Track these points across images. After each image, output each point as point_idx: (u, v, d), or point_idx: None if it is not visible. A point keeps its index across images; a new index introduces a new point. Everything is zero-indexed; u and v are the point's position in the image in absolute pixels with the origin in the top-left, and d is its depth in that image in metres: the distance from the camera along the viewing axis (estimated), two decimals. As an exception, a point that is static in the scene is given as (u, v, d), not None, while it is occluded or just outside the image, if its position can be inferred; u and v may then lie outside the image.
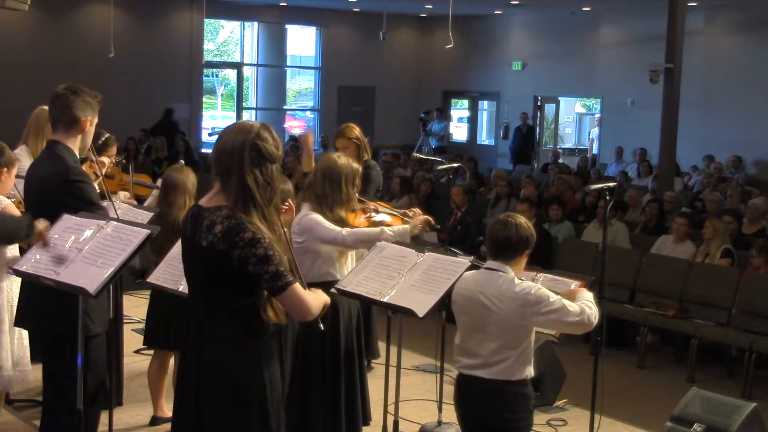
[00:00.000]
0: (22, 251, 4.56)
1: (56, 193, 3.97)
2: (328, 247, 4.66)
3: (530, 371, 3.93)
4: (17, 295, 4.60)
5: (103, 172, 5.00)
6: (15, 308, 5.08)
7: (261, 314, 3.10)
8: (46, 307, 4.03)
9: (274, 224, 3.11)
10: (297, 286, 3.07)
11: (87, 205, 4.00)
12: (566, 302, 3.85)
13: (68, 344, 3.96)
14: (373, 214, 5.20)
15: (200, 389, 3.11)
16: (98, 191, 4.32)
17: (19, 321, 4.35)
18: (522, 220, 3.98)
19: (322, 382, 4.68)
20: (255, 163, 3.05)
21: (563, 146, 21.50)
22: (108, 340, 4.71)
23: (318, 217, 4.63)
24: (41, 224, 3.80)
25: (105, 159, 5.48)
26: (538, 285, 3.91)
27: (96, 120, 4.25)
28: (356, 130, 6.35)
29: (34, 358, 5.46)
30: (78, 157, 4.18)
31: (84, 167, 4.33)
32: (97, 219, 3.86)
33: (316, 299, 3.17)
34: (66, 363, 4.01)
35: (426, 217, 5.15)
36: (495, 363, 3.86)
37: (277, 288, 3.03)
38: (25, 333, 5.32)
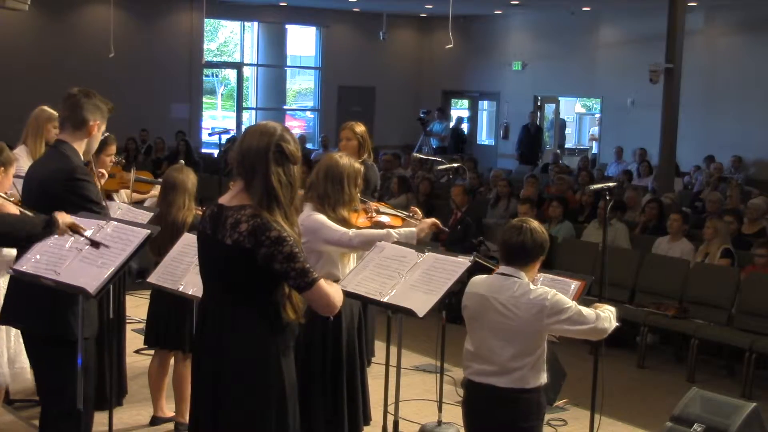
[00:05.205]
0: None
1: (60, 190, 3.94)
2: (332, 248, 4.65)
3: (544, 378, 3.89)
4: None
5: (102, 182, 5.00)
6: None
7: (281, 313, 3.15)
8: (35, 307, 3.99)
9: (294, 224, 3.17)
10: (322, 281, 3.13)
11: (89, 204, 3.99)
12: (582, 309, 3.81)
13: (56, 345, 3.93)
14: (374, 214, 5.19)
15: (219, 388, 3.13)
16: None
17: (4, 319, 4.27)
18: (536, 224, 3.91)
19: (323, 382, 4.67)
20: (278, 164, 3.12)
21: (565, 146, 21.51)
22: (108, 340, 4.71)
23: (323, 218, 4.61)
24: (65, 216, 3.76)
25: (102, 170, 5.48)
26: (554, 291, 3.83)
27: (104, 127, 4.23)
28: (363, 128, 6.46)
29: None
30: (82, 159, 4.18)
31: None
32: (97, 219, 3.86)
33: (338, 292, 3.22)
34: (55, 364, 3.98)
35: (433, 220, 5.12)
36: (511, 370, 3.81)
37: (305, 284, 3.08)
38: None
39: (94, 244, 3.71)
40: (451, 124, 20.38)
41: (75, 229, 3.73)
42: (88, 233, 3.73)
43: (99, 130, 4.18)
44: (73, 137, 4.09)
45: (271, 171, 3.10)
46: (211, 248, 3.18)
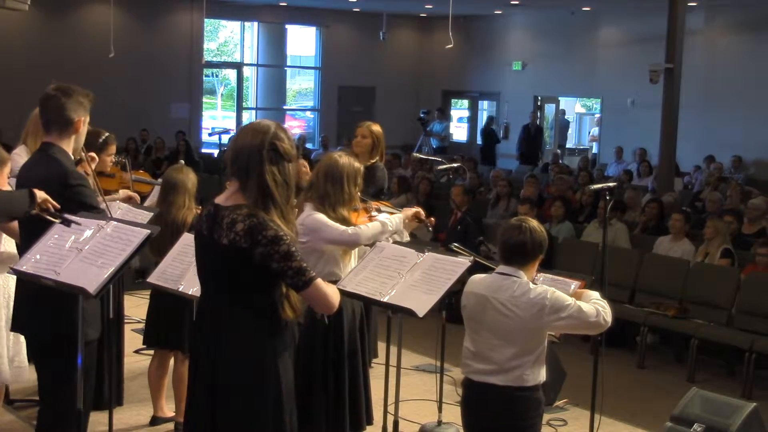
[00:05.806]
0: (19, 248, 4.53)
1: (54, 197, 3.93)
2: (332, 246, 4.66)
3: (543, 376, 3.90)
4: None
5: (93, 167, 4.95)
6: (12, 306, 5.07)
7: (279, 312, 3.14)
8: (36, 308, 3.98)
9: (290, 223, 3.15)
10: (320, 280, 3.12)
11: (86, 208, 3.97)
12: (581, 304, 3.81)
13: (61, 345, 3.93)
14: (375, 213, 5.20)
15: (217, 388, 3.13)
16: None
17: (14, 326, 4.31)
18: (535, 224, 3.92)
19: (325, 382, 4.68)
20: (273, 162, 3.10)
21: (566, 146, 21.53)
22: (108, 340, 4.70)
23: (323, 218, 4.62)
24: (41, 192, 3.79)
25: (93, 154, 5.45)
26: (552, 289, 3.84)
27: (88, 119, 4.19)
28: (379, 129, 6.37)
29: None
30: (72, 158, 4.15)
31: (77, 169, 4.29)
32: (96, 219, 3.86)
33: (335, 292, 3.22)
34: (59, 364, 3.97)
35: (417, 209, 5.16)
36: (510, 369, 3.81)
37: (302, 283, 3.07)
38: None
39: (65, 221, 3.72)
40: (480, 125, 20.35)
41: (45, 206, 3.76)
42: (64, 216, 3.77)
43: (84, 125, 4.13)
44: (60, 138, 4.05)
45: (265, 170, 3.07)
46: (207, 248, 3.17)
